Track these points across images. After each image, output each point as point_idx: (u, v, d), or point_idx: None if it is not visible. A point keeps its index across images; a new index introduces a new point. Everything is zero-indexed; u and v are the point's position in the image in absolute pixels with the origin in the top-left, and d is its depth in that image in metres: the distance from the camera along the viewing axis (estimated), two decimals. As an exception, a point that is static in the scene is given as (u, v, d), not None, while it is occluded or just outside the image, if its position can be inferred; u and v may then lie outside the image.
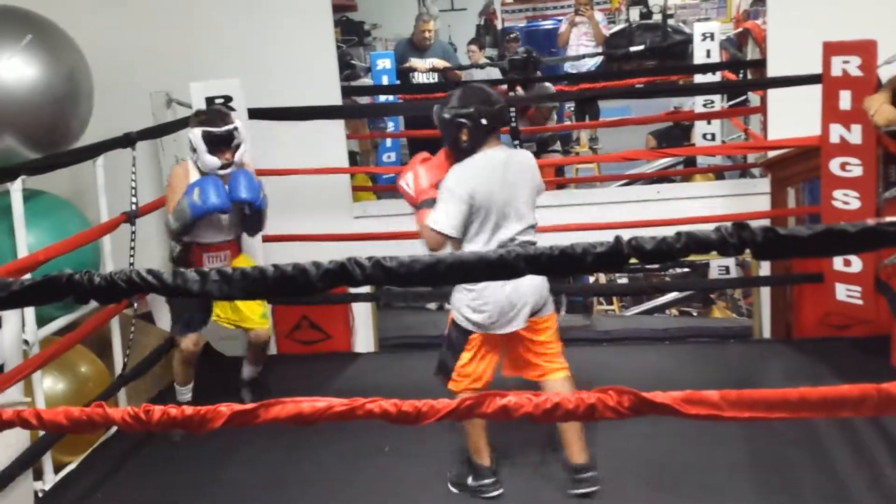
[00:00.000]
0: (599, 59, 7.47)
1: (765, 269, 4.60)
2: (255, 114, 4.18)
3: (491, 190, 2.89)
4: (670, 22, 8.33)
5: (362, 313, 4.83)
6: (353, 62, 6.79)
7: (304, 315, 4.68)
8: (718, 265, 6.33)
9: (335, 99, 4.66)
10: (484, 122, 2.92)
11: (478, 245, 2.92)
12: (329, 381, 4.27)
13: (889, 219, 1.38)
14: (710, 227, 1.44)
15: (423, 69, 6.46)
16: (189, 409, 1.63)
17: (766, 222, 4.42)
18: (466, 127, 2.92)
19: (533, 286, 2.94)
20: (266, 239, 4.28)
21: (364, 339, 4.85)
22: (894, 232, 1.38)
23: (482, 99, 2.96)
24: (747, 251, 1.45)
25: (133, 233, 3.78)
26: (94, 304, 3.52)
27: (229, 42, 4.65)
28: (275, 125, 4.34)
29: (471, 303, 2.96)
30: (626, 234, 1.44)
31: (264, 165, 4.27)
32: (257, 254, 4.20)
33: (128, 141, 3.85)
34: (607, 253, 1.48)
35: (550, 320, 3.08)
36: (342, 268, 1.49)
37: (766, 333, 4.60)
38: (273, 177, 4.36)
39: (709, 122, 5.96)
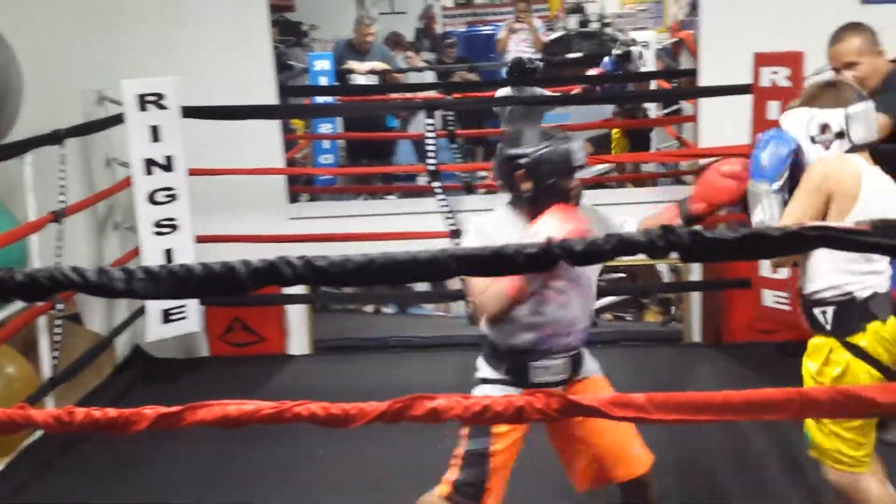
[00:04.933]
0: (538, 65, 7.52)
1: (696, 274, 4.69)
2: (188, 112, 4.11)
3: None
4: (608, 30, 8.45)
5: (297, 315, 4.79)
6: (290, 62, 6.72)
7: (237, 317, 4.62)
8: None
9: (271, 98, 4.61)
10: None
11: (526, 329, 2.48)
12: (262, 384, 4.23)
13: (811, 223, 1.41)
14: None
15: (362, 71, 6.44)
16: (112, 412, 1.58)
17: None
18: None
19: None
20: (200, 240, 4.21)
21: (298, 342, 4.81)
22: (816, 236, 1.42)
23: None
24: (674, 254, 1.47)
25: (60, 231, 3.69)
26: (20, 304, 3.45)
27: (163, 39, 4.56)
28: (209, 124, 4.28)
29: None
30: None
31: (198, 165, 4.21)
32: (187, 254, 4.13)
33: (56, 138, 3.76)
34: (538, 254, 1.49)
35: (597, 381, 2.64)
36: (272, 267, 1.46)
37: (697, 338, 4.69)
38: (207, 177, 4.30)
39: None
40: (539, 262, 1.51)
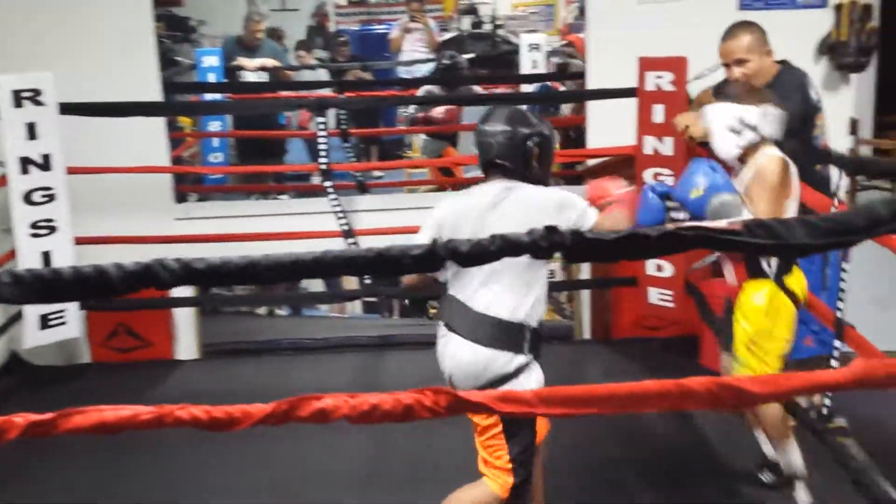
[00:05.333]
0: (432, 65, 7.55)
1: (585, 273, 4.78)
2: (67, 109, 3.94)
3: (457, 226, 2.47)
4: (500, 32, 8.53)
5: (185, 319, 4.66)
6: (177, 58, 6.54)
7: (121, 322, 4.46)
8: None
9: (156, 95, 4.47)
10: (476, 150, 2.57)
11: (465, 292, 2.46)
12: (147, 390, 4.10)
13: (688, 223, 1.46)
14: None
15: (252, 68, 6.31)
16: (-24, 422, 1.50)
17: (586, 227, 4.60)
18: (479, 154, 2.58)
19: (454, 354, 2.48)
20: (80, 241, 4.04)
21: (186, 346, 4.67)
22: (692, 236, 1.46)
23: (477, 128, 2.56)
24: (558, 254, 1.49)
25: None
26: None
27: (41, 33, 4.36)
28: (90, 121, 4.11)
29: None
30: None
31: (79, 163, 4.05)
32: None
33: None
34: (423, 255, 1.48)
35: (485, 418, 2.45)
36: (147, 269, 1.40)
37: (587, 334, 4.79)
38: (88, 176, 4.14)
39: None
40: (424, 263, 1.50)
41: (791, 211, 2.79)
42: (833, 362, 2.97)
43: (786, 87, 3.27)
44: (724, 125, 2.76)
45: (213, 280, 1.43)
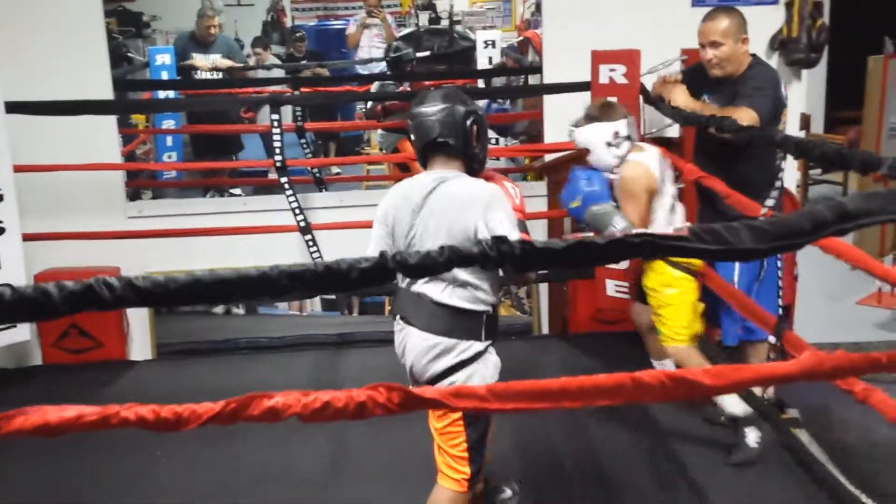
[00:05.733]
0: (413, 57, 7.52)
1: (543, 267, 4.79)
2: (12, 108, 3.84)
3: (399, 220, 2.46)
4: (458, 28, 8.52)
5: (138, 319, 4.58)
6: (130, 55, 6.43)
7: (73, 322, 4.38)
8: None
9: (106, 93, 4.39)
10: (412, 137, 2.51)
11: (417, 284, 2.44)
12: (100, 392, 4.04)
13: (635, 230, 1.47)
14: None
15: (206, 68, 6.23)
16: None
17: (543, 223, 4.62)
18: (410, 141, 2.54)
19: (412, 344, 2.46)
20: (27, 238, 3.95)
21: (141, 347, 4.60)
22: (638, 244, 1.47)
23: (412, 112, 2.51)
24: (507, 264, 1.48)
25: None
26: None
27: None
28: (39, 119, 4.03)
29: None
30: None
31: (25, 160, 3.96)
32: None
33: None
34: (373, 268, 1.47)
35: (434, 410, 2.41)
36: (89, 289, 1.36)
37: (545, 329, 4.80)
38: (36, 174, 4.05)
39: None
40: (373, 277, 1.49)
41: (662, 209, 3.12)
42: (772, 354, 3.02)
43: (762, 80, 3.32)
44: (602, 141, 3.11)
45: (158, 299, 1.40)
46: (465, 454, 2.45)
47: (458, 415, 2.41)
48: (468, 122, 2.44)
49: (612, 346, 4.34)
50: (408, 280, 2.46)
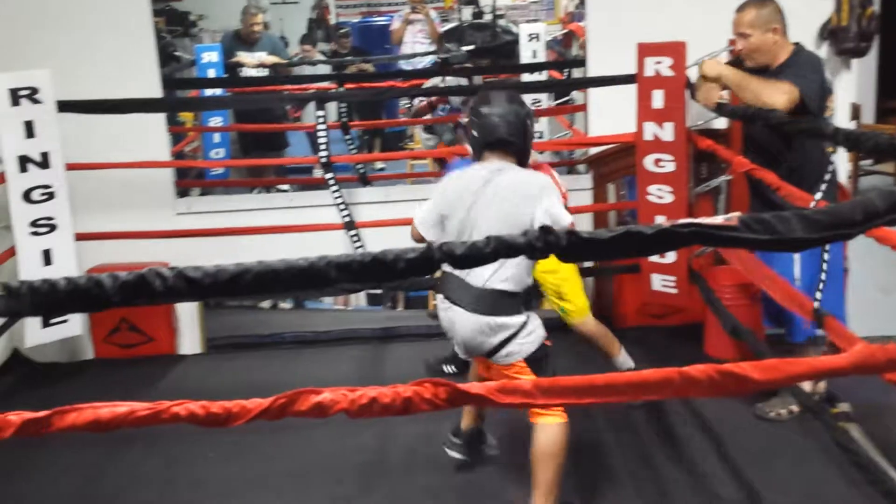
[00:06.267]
0: (433, 57, 7.53)
1: (588, 261, 4.76)
2: (65, 107, 3.93)
3: (460, 206, 2.66)
4: (501, 22, 8.50)
5: (187, 313, 4.65)
6: (177, 53, 6.53)
7: (123, 317, 4.46)
8: (548, 259, 6.50)
9: (155, 91, 4.45)
10: (475, 134, 2.74)
11: (462, 270, 2.64)
12: (150, 386, 4.10)
13: (684, 220, 1.45)
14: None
15: (252, 65, 6.30)
16: (-27, 421, 1.49)
17: (589, 217, 4.59)
18: (467, 135, 2.82)
19: (462, 323, 2.68)
20: (80, 237, 4.04)
21: (190, 341, 4.67)
22: (686, 233, 1.45)
23: (475, 110, 2.76)
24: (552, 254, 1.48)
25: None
26: None
27: (38, 30, 4.34)
28: (90, 118, 4.10)
29: None
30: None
31: (78, 159, 4.04)
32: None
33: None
34: (419, 259, 1.47)
35: (504, 370, 2.71)
36: (142, 279, 1.39)
37: (591, 324, 4.76)
38: (88, 173, 4.14)
39: (536, 120, 6.12)
40: (419, 268, 1.50)
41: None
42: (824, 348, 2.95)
43: (803, 66, 3.26)
44: None
45: (208, 291, 1.42)
46: None
47: (522, 365, 2.67)
48: (528, 123, 2.74)
49: (658, 341, 4.30)
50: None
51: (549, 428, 2.74)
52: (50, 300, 1.39)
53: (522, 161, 2.74)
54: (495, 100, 2.72)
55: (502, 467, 3.23)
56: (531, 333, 2.69)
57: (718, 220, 1.42)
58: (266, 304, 6.69)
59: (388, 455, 3.41)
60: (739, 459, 3.23)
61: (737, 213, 1.44)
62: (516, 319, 2.66)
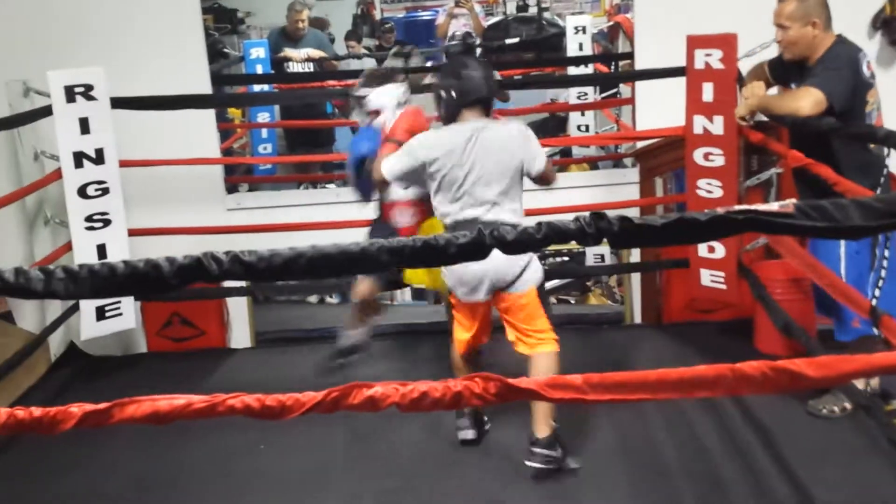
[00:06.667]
0: (477, 51, 7.52)
1: (635, 256, 4.73)
2: (118, 103, 4.00)
3: (450, 161, 2.99)
4: (546, 15, 8.46)
5: (237, 308, 4.72)
6: (225, 50, 6.61)
7: (175, 311, 4.53)
8: (594, 253, 6.47)
9: (204, 87, 4.51)
10: (453, 94, 3.05)
11: (444, 205, 3.04)
12: (202, 379, 4.16)
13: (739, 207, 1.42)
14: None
15: (299, 60, 6.35)
16: (37, 411, 1.53)
17: (636, 211, 4.55)
18: (440, 99, 3.11)
19: (495, 258, 2.90)
20: (132, 233, 4.11)
21: (240, 335, 4.74)
22: (741, 220, 1.43)
23: (454, 73, 3.09)
24: (605, 240, 1.47)
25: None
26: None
27: (91, 29, 4.43)
28: (141, 114, 4.18)
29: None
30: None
31: (130, 156, 4.12)
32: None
33: (-21, 131, 3.63)
34: (470, 244, 1.48)
35: (520, 298, 3.07)
36: (198, 263, 1.42)
37: (638, 319, 4.74)
38: (140, 169, 4.21)
39: (583, 114, 6.08)
40: (470, 251, 1.51)
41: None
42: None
43: (836, 60, 3.21)
44: (394, 102, 3.40)
45: (262, 273, 1.45)
46: (549, 325, 3.12)
47: (536, 301, 3.06)
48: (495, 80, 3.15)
49: (707, 336, 4.25)
50: (479, 210, 2.98)
51: (546, 356, 3.07)
52: (109, 283, 1.43)
53: (488, 115, 3.11)
54: (470, 63, 3.14)
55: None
56: (535, 262, 3.09)
57: (774, 206, 1.39)
58: (313, 298, 6.75)
59: (435, 447, 3.42)
60: (791, 457, 3.18)
61: (792, 200, 1.41)
62: (525, 254, 3.01)
